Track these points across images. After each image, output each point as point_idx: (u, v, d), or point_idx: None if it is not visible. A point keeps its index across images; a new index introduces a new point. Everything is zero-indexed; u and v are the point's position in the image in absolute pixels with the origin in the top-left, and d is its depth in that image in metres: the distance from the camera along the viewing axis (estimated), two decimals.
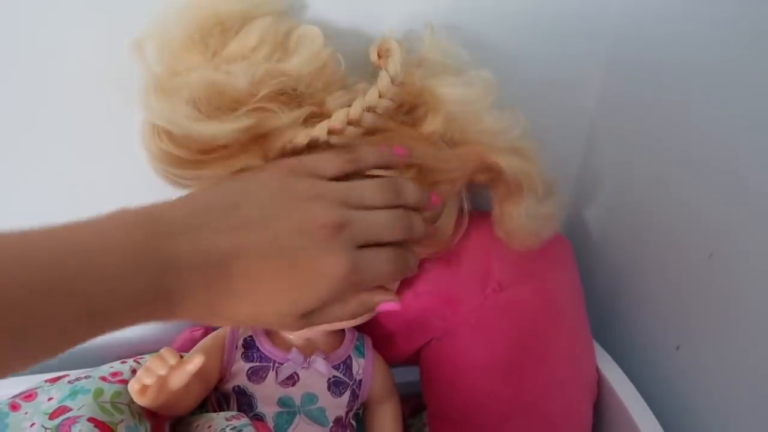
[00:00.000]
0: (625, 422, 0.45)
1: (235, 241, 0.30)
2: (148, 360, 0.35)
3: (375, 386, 0.46)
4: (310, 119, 0.39)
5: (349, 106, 0.38)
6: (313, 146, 0.39)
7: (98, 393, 0.38)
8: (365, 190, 0.35)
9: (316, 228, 0.32)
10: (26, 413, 0.38)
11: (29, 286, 0.24)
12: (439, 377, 0.47)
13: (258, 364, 0.42)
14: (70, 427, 0.35)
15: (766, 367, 0.39)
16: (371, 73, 0.41)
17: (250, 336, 0.44)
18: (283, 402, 0.42)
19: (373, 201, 0.35)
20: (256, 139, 0.40)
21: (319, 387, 0.43)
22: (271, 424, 0.41)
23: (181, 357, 0.37)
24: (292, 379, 0.42)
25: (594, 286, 0.55)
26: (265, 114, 0.38)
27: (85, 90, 0.42)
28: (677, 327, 0.48)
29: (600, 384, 0.48)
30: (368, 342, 0.47)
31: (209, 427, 0.39)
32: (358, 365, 0.45)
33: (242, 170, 0.41)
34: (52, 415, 0.37)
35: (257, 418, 0.41)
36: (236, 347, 0.43)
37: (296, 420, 0.42)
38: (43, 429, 0.36)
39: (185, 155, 0.40)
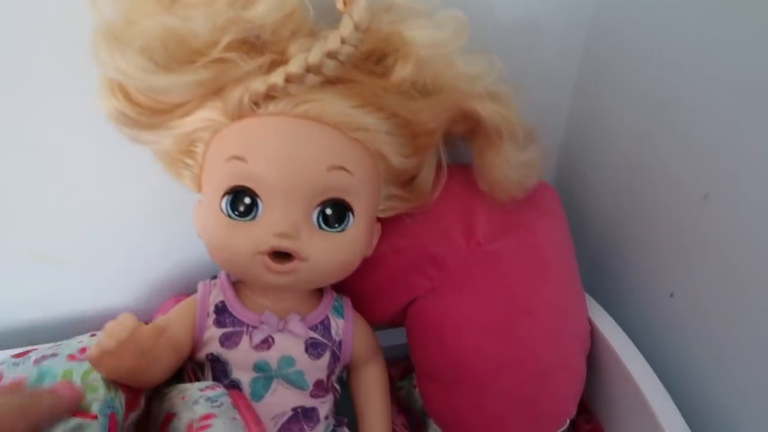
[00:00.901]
0: (619, 373, 0.44)
1: None
2: (107, 324, 0.32)
3: (357, 347, 0.44)
4: (272, 68, 0.37)
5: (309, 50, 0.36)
6: (271, 95, 0.36)
7: (66, 375, 0.37)
8: None
9: None
10: None
11: None
12: (426, 337, 0.46)
13: (231, 329, 0.40)
14: None
15: (762, 311, 0.37)
16: (339, 21, 0.39)
17: (222, 301, 0.42)
18: (259, 367, 0.40)
19: None
20: (215, 92, 0.37)
21: (296, 349, 0.41)
22: (247, 390, 0.40)
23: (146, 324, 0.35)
24: (267, 343, 0.40)
25: (584, 237, 0.53)
26: (226, 65, 0.36)
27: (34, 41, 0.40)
28: (671, 273, 0.46)
29: (592, 335, 0.47)
30: (347, 302, 0.45)
31: (183, 398, 0.37)
32: (338, 326, 0.43)
33: (203, 128, 0.39)
34: None
35: (233, 386, 0.40)
36: (207, 314, 0.41)
37: (273, 385, 0.40)
38: None
39: (140, 116, 0.38)
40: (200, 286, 0.43)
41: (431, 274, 0.45)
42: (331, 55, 0.36)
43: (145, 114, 0.38)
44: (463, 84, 0.40)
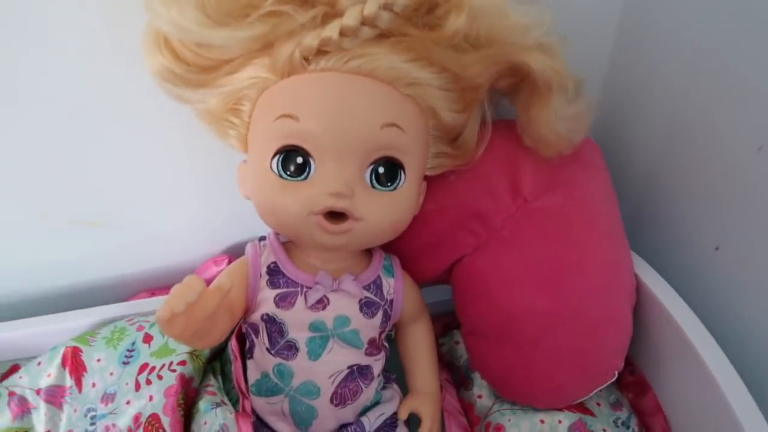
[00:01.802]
0: (666, 324, 0.44)
1: None
2: (174, 287, 0.32)
3: (407, 306, 0.45)
4: (324, 22, 0.36)
5: (364, 2, 0.35)
6: (322, 50, 0.35)
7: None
8: None
9: None
10: None
11: None
12: (474, 294, 0.46)
13: (285, 289, 0.40)
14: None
15: None
16: None
17: (273, 262, 0.41)
18: (315, 327, 0.40)
19: None
20: (264, 48, 0.36)
21: (351, 309, 0.41)
22: (304, 349, 0.40)
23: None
24: (322, 303, 0.40)
25: (627, 191, 0.53)
26: (279, 18, 0.35)
27: None
28: (716, 227, 0.46)
29: (638, 290, 0.47)
30: (396, 261, 0.45)
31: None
32: (389, 285, 0.43)
33: (249, 86, 0.38)
34: None
35: (290, 346, 0.40)
36: (260, 275, 0.41)
37: (330, 344, 0.40)
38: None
39: (186, 72, 0.37)
40: (249, 248, 0.43)
41: (477, 231, 0.45)
42: (386, 6, 0.35)
43: (192, 71, 0.37)
44: (516, 36, 0.38)
